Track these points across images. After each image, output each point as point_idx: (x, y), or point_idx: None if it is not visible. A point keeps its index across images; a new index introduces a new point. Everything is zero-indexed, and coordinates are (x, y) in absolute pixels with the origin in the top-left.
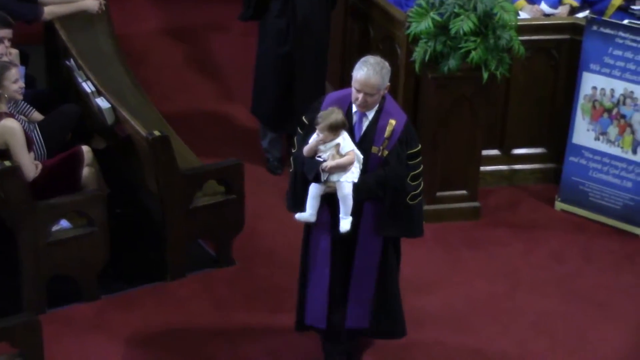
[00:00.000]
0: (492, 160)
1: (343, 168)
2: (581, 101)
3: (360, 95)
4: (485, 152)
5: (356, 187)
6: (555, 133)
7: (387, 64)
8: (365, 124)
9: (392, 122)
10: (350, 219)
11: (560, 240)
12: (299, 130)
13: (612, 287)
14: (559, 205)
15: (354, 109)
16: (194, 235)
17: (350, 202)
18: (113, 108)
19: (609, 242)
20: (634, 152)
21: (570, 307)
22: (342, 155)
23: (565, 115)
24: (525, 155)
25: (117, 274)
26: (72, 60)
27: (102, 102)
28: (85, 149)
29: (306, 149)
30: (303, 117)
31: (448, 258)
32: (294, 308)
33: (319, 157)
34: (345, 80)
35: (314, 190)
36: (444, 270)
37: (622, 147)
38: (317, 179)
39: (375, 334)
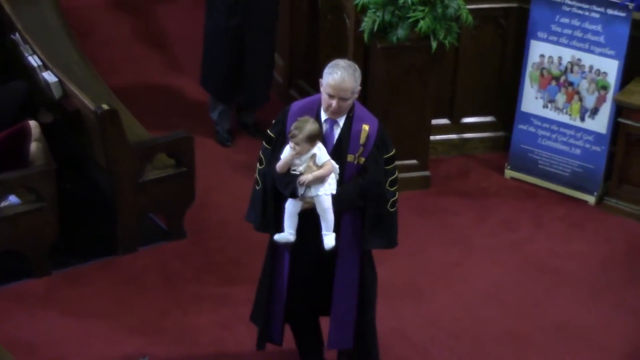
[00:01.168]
0: (442, 129)
1: (321, 180)
2: (529, 69)
3: (334, 101)
4: (435, 122)
5: (336, 198)
6: (504, 101)
7: (357, 66)
8: (337, 131)
9: (366, 127)
10: (333, 234)
11: (511, 207)
12: (265, 145)
13: (562, 253)
14: (509, 173)
15: (323, 117)
16: (144, 209)
17: (331, 216)
18: (60, 82)
19: (559, 209)
20: (582, 119)
21: (522, 273)
22: (318, 167)
23: (514, 84)
24: (475, 124)
25: (68, 249)
26: (17, 34)
27: (49, 76)
28: (32, 123)
29: (280, 165)
30: (268, 131)
31: (399, 227)
32: (246, 280)
33: (294, 170)
34: (294, 52)
35: (291, 208)
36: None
37: (570, 115)
38: (293, 195)
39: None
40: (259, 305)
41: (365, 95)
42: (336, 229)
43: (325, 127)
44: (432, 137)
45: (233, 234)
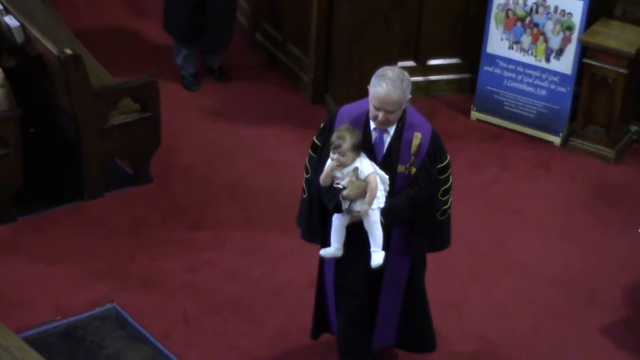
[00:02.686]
0: (408, 71)
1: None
2: (495, 10)
3: (380, 114)
4: (400, 64)
5: (385, 212)
6: (469, 43)
7: (406, 74)
8: (387, 140)
9: (418, 135)
10: (383, 253)
11: (477, 149)
12: (311, 153)
13: (528, 194)
14: (475, 114)
15: (372, 125)
16: (110, 154)
17: (379, 232)
18: (22, 26)
19: (525, 150)
20: (547, 60)
21: (487, 214)
22: (361, 181)
23: (479, 25)
24: (441, 66)
25: (33, 195)
26: None
27: (10, 21)
28: None
29: (322, 179)
30: (314, 138)
31: None
32: (213, 224)
33: (337, 184)
34: None
35: (337, 223)
36: None
37: (535, 56)
38: (338, 209)
39: (402, 347)
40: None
41: (330, 40)
42: (386, 241)
43: (374, 135)
44: None
45: (199, 178)
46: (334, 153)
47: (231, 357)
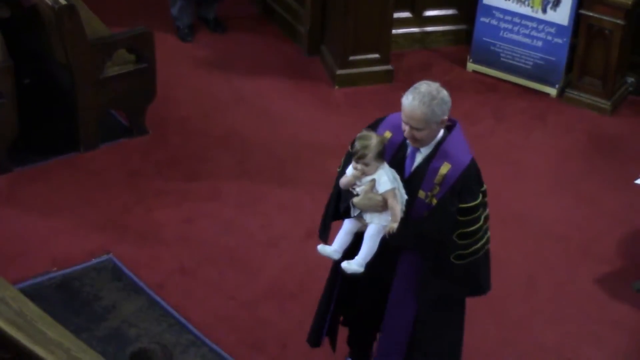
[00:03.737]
0: (404, 23)
1: (378, 208)
2: None
3: (407, 128)
4: (396, 15)
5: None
6: None
7: (443, 93)
8: (418, 160)
9: (447, 166)
10: (360, 269)
11: (473, 101)
12: (349, 149)
13: (524, 145)
14: (471, 66)
15: None
16: (105, 106)
17: (372, 247)
18: None
19: (521, 102)
20: (544, 11)
21: (483, 166)
22: (375, 193)
23: None
24: (437, 17)
25: (29, 146)
26: None
27: None
28: None
29: (343, 182)
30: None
31: (362, 122)
32: (209, 175)
33: (354, 188)
34: None
35: (346, 226)
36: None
37: (532, 7)
38: (347, 213)
39: None
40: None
41: None
42: (393, 264)
43: (408, 150)
44: (393, 31)
45: (195, 129)
46: (357, 163)
47: (227, 308)
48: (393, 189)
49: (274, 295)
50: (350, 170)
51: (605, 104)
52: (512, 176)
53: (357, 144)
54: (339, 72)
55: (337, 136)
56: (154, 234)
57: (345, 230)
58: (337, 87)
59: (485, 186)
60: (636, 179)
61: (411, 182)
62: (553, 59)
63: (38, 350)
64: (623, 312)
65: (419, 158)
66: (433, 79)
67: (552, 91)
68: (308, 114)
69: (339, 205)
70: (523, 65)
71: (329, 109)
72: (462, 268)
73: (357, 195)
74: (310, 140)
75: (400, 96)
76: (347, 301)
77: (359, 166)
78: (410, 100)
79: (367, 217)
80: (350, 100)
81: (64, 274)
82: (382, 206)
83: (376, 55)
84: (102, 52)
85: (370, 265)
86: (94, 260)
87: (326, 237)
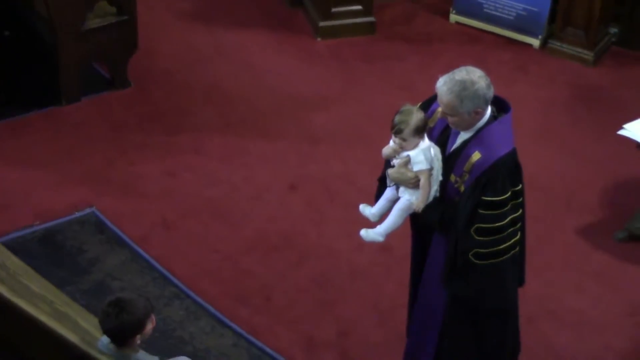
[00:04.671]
0: None
1: (409, 185)
2: None
3: (440, 109)
4: None
5: (421, 211)
6: None
7: (480, 85)
8: (457, 142)
9: (477, 155)
10: (379, 238)
11: (456, 52)
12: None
13: (507, 96)
14: (454, 17)
15: None
16: (87, 58)
17: (396, 221)
18: None
19: (503, 53)
20: None
21: None
22: (409, 170)
23: None
24: None
25: (9, 99)
26: None
27: None
28: None
29: (384, 151)
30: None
31: (345, 74)
32: (192, 128)
33: (393, 160)
34: None
35: (387, 193)
36: (341, 86)
37: None
38: (384, 181)
39: None
40: None
41: None
42: (425, 246)
43: (452, 129)
44: None
45: (177, 82)
46: (395, 137)
47: (210, 261)
48: (427, 170)
49: (258, 248)
50: (392, 142)
51: (588, 55)
52: None
53: (396, 118)
54: (322, 23)
55: (319, 88)
56: (136, 187)
57: (385, 197)
58: (319, 39)
59: (521, 186)
60: (619, 129)
61: (447, 164)
62: (536, 9)
63: (21, 303)
64: (605, 262)
65: (458, 140)
66: (416, 30)
67: (535, 42)
68: (291, 66)
69: (382, 172)
70: (506, 16)
71: (311, 61)
72: (481, 270)
73: (393, 167)
74: (293, 92)
75: (383, 47)
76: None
77: (397, 141)
78: (441, 85)
79: (400, 190)
80: (333, 52)
81: (46, 228)
82: (413, 183)
83: (359, 7)
84: (83, 4)
85: (413, 241)
86: (77, 214)
87: (378, 200)
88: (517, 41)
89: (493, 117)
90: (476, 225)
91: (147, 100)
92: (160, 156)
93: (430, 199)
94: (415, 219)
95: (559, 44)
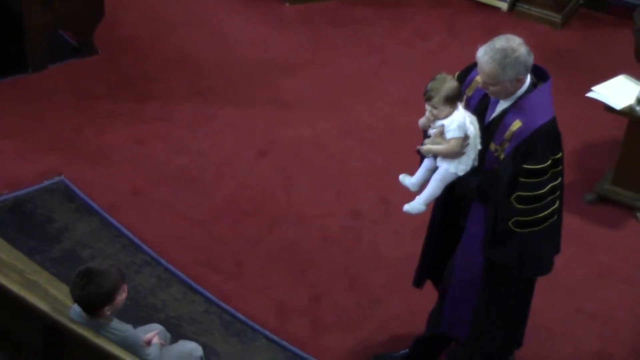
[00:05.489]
0: None
1: (447, 153)
2: None
3: (481, 80)
4: None
5: (457, 180)
6: None
7: (520, 52)
8: (497, 111)
9: (517, 124)
10: (420, 207)
11: (424, 16)
12: None
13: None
14: None
15: None
16: (53, 25)
17: (434, 190)
18: None
19: (472, 17)
20: None
21: None
22: (444, 139)
23: None
24: None
25: None
26: None
27: None
28: None
29: (420, 121)
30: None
31: (314, 39)
32: (160, 95)
33: (430, 128)
34: None
35: (426, 162)
36: (310, 51)
37: None
38: (420, 151)
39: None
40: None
41: None
42: (463, 215)
43: (492, 98)
44: None
45: (145, 49)
46: (427, 104)
47: (180, 228)
48: (460, 138)
49: (228, 214)
50: (427, 112)
51: (556, 17)
52: None
53: (428, 85)
54: None
55: (288, 54)
56: (106, 155)
57: (424, 166)
58: (287, 4)
59: (561, 154)
60: (587, 91)
61: (486, 133)
62: None
63: None
64: (574, 224)
65: (498, 109)
66: None
67: (503, 5)
68: (259, 32)
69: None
70: None
71: (280, 26)
72: (521, 238)
73: (429, 137)
74: (261, 58)
75: (351, 12)
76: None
77: (429, 108)
78: (482, 54)
79: (438, 159)
80: (302, 17)
81: (15, 196)
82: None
83: None
84: None
85: (446, 214)
86: (46, 182)
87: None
88: (485, 4)
89: (533, 85)
90: (516, 194)
91: (115, 67)
92: (129, 124)
93: (469, 168)
94: (452, 187)
95: (526, 6)
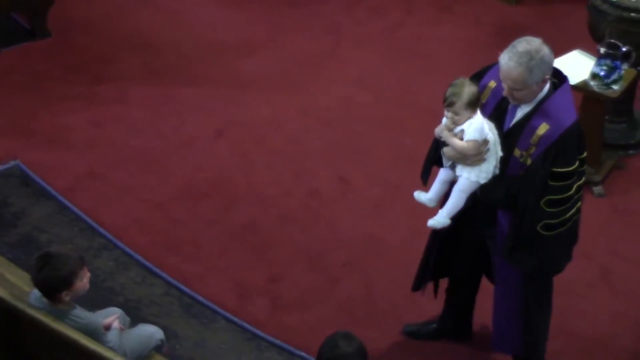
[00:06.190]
0: None
1: (467, 159)
2: None
3: (505, 87)
4: None
5: (481, 189)
6: None
7: (544, 52)
8: (518, 116)
9: (545, 126)
10: (445, 221)
11: None
12: None
13: (433, 38)
14: None
15: None
16: (4, 8)
17: (457, 202)
18: None
19: None
20: None
21: (393, 60)
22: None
23: None
24: None
25: None
26: None
27: None
28: None
29: (436, 129)
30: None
31: (270, 18)
32: (115, 77)
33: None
34: None
35: (441, 174)
36: (266, 31)
37: None
38: (439, 161)
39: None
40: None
41: None
42: (492, 225)
43: (509, 104)
44: None
45: (99, 31)
46: (447, 111)
47: (139, 211)
48: (480, 140)
49: (186, 196)
50: (444, 119)
51: None
52: (422, 69)
53: (448, 91)
54: None
55: (244, 33)
56: (61, 138)
57: (440, 179)
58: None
59: (585, 153)
60: None
61: (508, 139)
62: None
63: None
64: None
65: (519, 114)
66: None
67: None
68: (215, 11)
69: (435, 153)
70: None
71: (233, 5)
72: (546, 240)
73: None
74: (218, 38)
75: None
76: (446, 263)
77: (449, 114)
78: (506, 60)
79: (458, 169)
80: None
81: None
82: (469, 155)
83: None
84: None
85: (468, 225)
86: (1, 167)
87: (426, 179)
88: None
89: (553, 87)
90: (547, 197)
91: (69, 50)
92: (84, 107)
93: (490, 175)
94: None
95: None
